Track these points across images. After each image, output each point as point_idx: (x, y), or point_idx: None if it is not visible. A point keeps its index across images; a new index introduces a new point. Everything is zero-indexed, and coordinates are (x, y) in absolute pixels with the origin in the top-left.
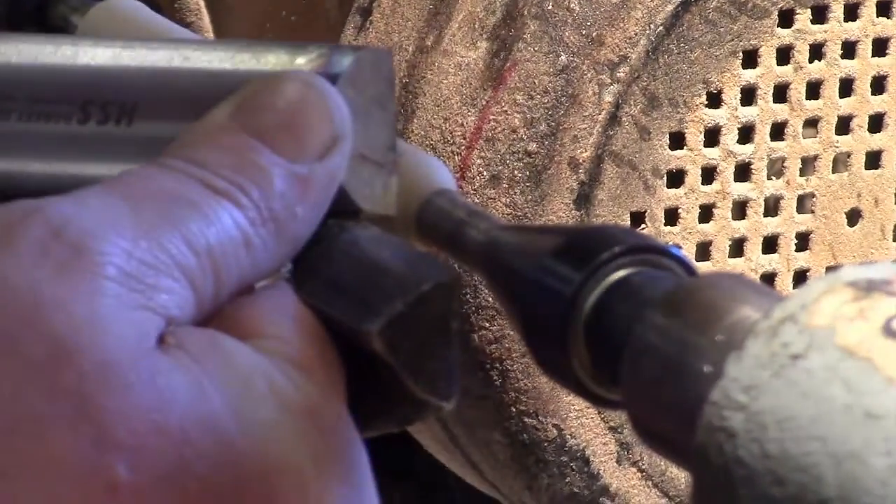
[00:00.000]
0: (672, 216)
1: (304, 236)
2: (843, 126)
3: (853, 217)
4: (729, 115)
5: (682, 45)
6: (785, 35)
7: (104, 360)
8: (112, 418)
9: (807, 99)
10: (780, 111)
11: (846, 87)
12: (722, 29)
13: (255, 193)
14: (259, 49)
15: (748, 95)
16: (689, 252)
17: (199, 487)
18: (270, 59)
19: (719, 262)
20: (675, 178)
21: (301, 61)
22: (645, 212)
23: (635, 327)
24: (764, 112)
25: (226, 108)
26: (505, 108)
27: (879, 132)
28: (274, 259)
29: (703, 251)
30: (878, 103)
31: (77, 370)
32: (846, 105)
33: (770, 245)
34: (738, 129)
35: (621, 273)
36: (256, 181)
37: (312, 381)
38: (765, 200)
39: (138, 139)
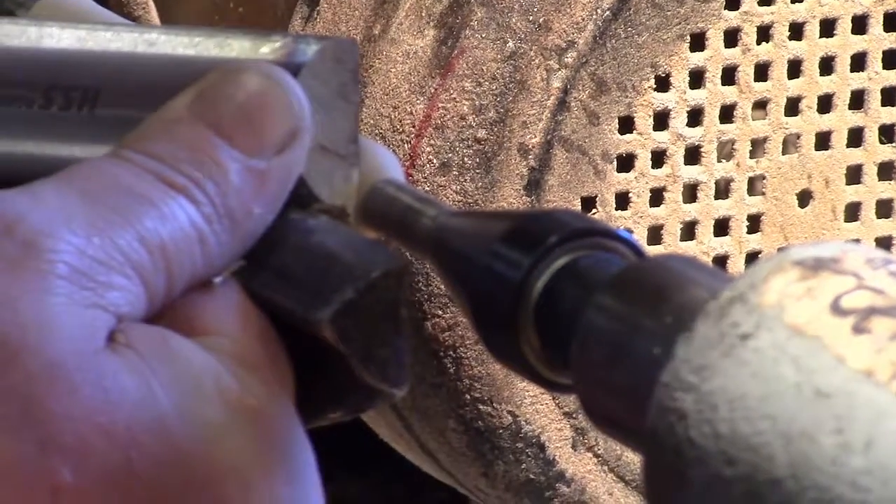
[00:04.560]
0: (623, 201)
1: (258, 231)
2: (793, 107)
3: (804, 198)
4: (677, 99)
5: (629, 29)
6: (732, 17)
7: (51, 360)
8: (58, 421)
9: (755, 81)
10: (729, 94)
11: (794, 69)
12: (669, 12)
13: (211, 189)
14: (223, 37)
15: (696, 78)
16: (640, 236)
17: (144, 490)
18: (234, 48)
19: (671, 245)
20: (625, 163)
21: (265, 50)
22: (596, 197)
23: (584, 311)
24: (712, 95)
25: (185, 98)
26: (453, 96)
27: (829, 113)
28: (227, 255)
29: (655, 235)
30: (826, 84)
31: (23, 371)
32: (795, 86)
33: (721, 228)
34: (687, 112)
35: (570, 257)
36: (212, 176)
37: (260, 379)
38: (715, 183)
39: (100, 125)
